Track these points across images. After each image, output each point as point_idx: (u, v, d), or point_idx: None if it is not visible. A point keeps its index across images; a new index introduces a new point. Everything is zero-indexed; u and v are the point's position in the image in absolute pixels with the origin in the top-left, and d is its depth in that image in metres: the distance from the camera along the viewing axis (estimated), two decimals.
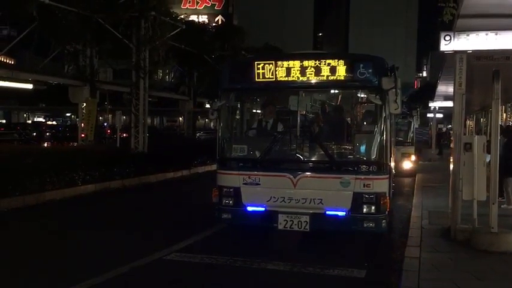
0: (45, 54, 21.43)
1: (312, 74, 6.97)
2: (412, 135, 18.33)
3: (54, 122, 53.53)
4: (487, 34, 7.01)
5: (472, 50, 7.24)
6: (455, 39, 7.11)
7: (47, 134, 33.70)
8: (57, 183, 11.98)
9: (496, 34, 6.99)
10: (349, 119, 8.30)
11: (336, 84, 7.21)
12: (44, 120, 56.24)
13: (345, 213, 6.80)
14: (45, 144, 25.23)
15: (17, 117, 58.18)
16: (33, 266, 6.46)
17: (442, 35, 7.15)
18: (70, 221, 9.58)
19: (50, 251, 7.23)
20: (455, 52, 7.32)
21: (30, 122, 52.50)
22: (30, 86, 23.09)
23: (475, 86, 11.50)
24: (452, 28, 7.21)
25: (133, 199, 12.80)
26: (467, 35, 7.07)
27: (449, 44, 7.13)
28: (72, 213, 10.53)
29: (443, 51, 7.33)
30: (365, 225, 6.75)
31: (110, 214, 10.37)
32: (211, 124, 39.41)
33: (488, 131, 13.03)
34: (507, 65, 7.53)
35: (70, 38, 18.65)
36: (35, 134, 34.13)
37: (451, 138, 8.78)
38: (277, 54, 15.66)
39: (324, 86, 7.40)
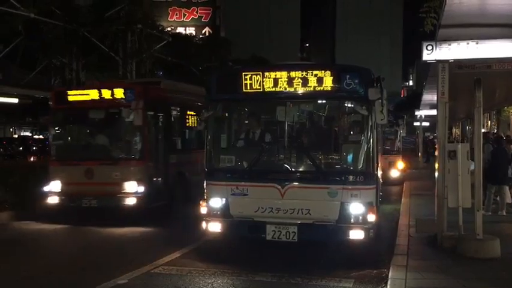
0: (31, 68, 21.31)
1: (299, 84, 7.02)
2: (399, 143, 18.51)
3: (41, 136, 52.92)
4: (468, 43, 7.14)
5: (453, 59, 7.36)
6: (437, 48, 7.23)
7: (34, 148, 33.30)
8: None
9: (477, 43, 7.12)
10: (336, 129, 8.35)
11: (323, 94, 7.27)
12: (30, 135, 55.58)
13: (332, 223, 6.82)
14: (32, 159, 24.91)
15: (3, 132, 57.49)
16: None
17: (424, 44, 7.27)
18: None
19: None
20: (438, 61, 7.43)
21: (16, 136, 51.83)
22: (15, 100, 22.87)
23: (459, 95, 11.67)
24: (434, 38, 7.34)
25: None
26: (449, 45, 7.19)
27: (431, 54, 7.25)
28: None
29: (425, 61, 7.44)
30: (353, 235, 6.77)
31: None
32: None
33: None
34: (488, 74, 7.67)
35: (56, 51, 18.60)
36: (21, 148, 33.69)
37: (436, 146, 8.89)
38: (264, 65, 15.77)
39: (311, 97, 7.45)
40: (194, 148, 12.40)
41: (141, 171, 10.34)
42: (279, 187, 6.95)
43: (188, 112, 12.53)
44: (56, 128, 11.46)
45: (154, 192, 10.52)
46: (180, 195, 11.50)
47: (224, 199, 7.19)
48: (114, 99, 10.32)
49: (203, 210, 7.37)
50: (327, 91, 7.01)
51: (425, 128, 34.14)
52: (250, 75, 7.17)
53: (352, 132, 8.22)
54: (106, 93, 10.43)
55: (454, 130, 31.00)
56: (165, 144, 11.32)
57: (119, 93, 10.35)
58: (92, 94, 10.56)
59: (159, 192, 10.76)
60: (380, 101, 6.56)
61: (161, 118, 11.35)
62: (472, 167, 7.42)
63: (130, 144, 10.72)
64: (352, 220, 6.78)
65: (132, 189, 10.14)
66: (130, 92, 10.25)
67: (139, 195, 10.13)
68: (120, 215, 10.24)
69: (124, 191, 10.12)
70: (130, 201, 10.09)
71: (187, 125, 12.57)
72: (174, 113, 12.09)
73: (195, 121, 12.30)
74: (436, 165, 8.04)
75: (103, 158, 10.50)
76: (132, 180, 10.15)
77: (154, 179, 10.73)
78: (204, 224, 7.36)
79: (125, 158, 10.59)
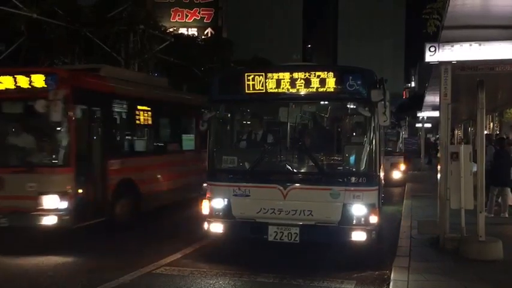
0: None
1: (301, 85, 7.01)
2: (401, 145, 18.49)
3: None
4: (471, 45, 7.13)
5: (456, 61, 7.36)
6: (440, 50, 7.22)
7: None
8: None
9: (480, 45, 7.12)
10: (338, 130, 8.34)
11: (326, 96, 7.25)
12: None
13: (334, 224, 6.81)
14: None
15: None
16: None
17: (427, 46, 7.26)
18: None
19: None
20: (440, 63, 7.43)
21: None
22: None
23: (461, 96, 11.67)
24: (437, 39, 7.34)
25: None
26: (452, 46, 7.19)
27: (434, 55, 7.24)
28: None
29: (428, 62, 7.43)
30: (355, 236, 6.76)
31: None
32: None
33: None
34: (491, 75, 7.66)
35: (58, 51, 18.63)
36: None
37: (438, 148, 8.88)
38: (266, 66, 15.74)
39: (313, 98, 7.44)
40: (150, 151, 10.85)
41: (64, 181, 8.09)
42: (281, 188, 6.94)
43: (140, 107, 10.41)
44: None
45: (83, 207, 8.38)
46: (125, 209, 9.42)
47: (226, 200, 7.18)
48: (33, 89, 8.14)
49: (205, 211, 7.37)
50: (330, 92, 7.00)
51: (427, 130, 34.15)
52: (252, 76, 7.16)
53: (354, 134, 8.23)
54: (23, 81, 8.23)
55: (456, 132, 30.96)
56: (105, 146, 9.13)
57: (39, 80, 8.15)
58: (6, 82, 8.35)
59: (91, 207, 8.65)
60: (382, 102, 6.56)
61: (99, 113, 9.16)
62: (475, 169, 7.40)
63: (51, 146, 8.49)
64: (354, 221, 6.76)
65: (52, 204, 7.96)
66: (51, 79, 8.09)
67: (62, 212, 7.96)
68: (37, 238, 8.47)
69: (41, 207, 7.94)
70: (49, 220, 7.93)
71: (139, 122, 10.50)
72: (119, 107, 9.89)
73: (151, 118, 10.69)
74: (439, 167, 8.03)
75: (15, 165, 8.37)
76: (51, 193, 7.98)
77: (83, 190, 8.47)
78: (206, 225, 7.36)
79: (43, 165, 8.26)
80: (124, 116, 10.12)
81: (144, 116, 10.56)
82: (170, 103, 11.74)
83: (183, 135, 12.44)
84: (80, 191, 8.40)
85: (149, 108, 10.59)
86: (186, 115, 12.63)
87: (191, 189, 11.38)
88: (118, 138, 10.07)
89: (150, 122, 10.74)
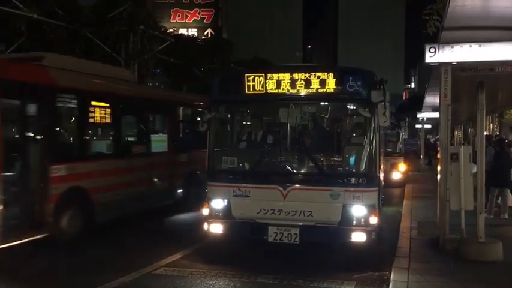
0: None
1: (301, 86, 7.01)
2: (401, 146, 18.49)
3: None
4: (471, 46, 7.13)
5: (456, 62, 7.36)
6: (440, 51, 7.22)
7: None
8: None
9: (480, 46, 7.12)
10: (338, 131, 8.35)
11: (326, 96, 7.25)
12: None
13: (334, 225, 6.81)
14: None
15: None
16: None
17: (427, 47, 7.26)
18: None
19: None
20: (440, 64, 7.43)
21: None
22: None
23: (462, 97, 11.66)
24: (437, 40, 7.34)
25: None
26: (452, 47, 7.19)
27: (434, 56, 7.24)
28: None
29: (428, 63, 7.43)
30: (355, 237, 6.76)
31: None
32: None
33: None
34: (491, 76, 7.66)
35: (58, 52, 18.59)
36: None
37: (438, 149, 8.88)
38: (266, 67, 15.75)
39: (313, 99, 7.45)
40: (109, 154, 9.49)
41: None
42: (281, 189, 6.94)
43: (95, 103, 9.03)
44: None
45: (14, 222, 7.27)
46: (74, 223, 8.21)
47: (226, 200, 7.18)
48: None
49: (205, 211, 7.36)
50: (330, 93, 7.00)
51: (427, 130, 34.16)
52: (253, 77, 7.16)
53: (354, 134, 8.24)
54: None
55: (456, 133, 30.97)
56: (46, 149, 7.80)
57: None
58: None
59: (27, 221, 7.52)
60: (383, 103, 6.56)
61: (38, 110, 7.82)
62: (475, 170, 7.41)
63: None
64: (354, 222, 6.76)
65: None
66: None
67: None
68: None
69: None
70: None
71: (94, 121, 9.08)
72: (66, 103, 8.66)
73: (110, 115, 9.36)
74: (439, 168, 8.03)
75: None
76: None
77: (15, 201, 7.31)
78: (205, 225, 7.36)
79: None
80: (73, 113, 8.86)
81: (100, 113, 9.13)
82: (136, 99, 10.29)
83: (152, 135, 11.07)
84: (8, 202, 7.09)
85: (107, 105, 9.22)
86: (157, 113, 11.59)
87: (162, 196, 10.62)
88: (65, 140, 8.89)
89: (108, 120, 9.38)
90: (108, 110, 9.28)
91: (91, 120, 9.01)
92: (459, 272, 6.38)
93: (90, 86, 9.02)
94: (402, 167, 17.72)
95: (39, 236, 7.57)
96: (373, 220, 6.79)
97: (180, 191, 11.53)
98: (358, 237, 6.75)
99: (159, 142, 11.19)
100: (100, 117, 9.17)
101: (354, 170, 7.22)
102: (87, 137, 9.20)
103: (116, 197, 9.22)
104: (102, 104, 9.17)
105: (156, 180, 10.66)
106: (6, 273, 6.59)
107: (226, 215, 7.18)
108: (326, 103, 8.25)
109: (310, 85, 6.98)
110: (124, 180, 9.53)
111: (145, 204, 10.17)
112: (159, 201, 10.66)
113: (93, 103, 8.98)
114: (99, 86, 9.27)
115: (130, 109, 10.24)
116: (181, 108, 12.73)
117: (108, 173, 9.09)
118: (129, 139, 10.65)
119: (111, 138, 9.85)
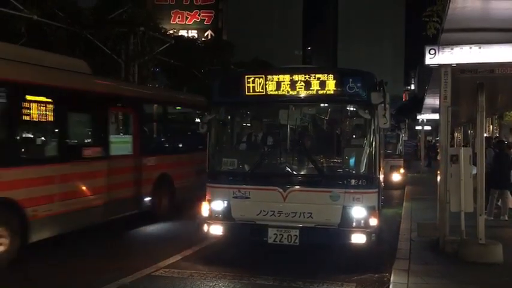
0: None
1: (301, 88, 7.02)
2: (400, 147, 18.50)
3: None
4: (470, 48, 7.14)
5: (456, 64, 7.36)
6: (440, 53, 7.23)
7: None
8: None
9: (480, 48, 7.12)
10: (338, 132, 8.36)
11: (326, 98, 7.26)
12: None
13: (334, 227, 6.81)
14: None
15: None
16: None
17: (427, 48, 7.27)
18: None
19: None
20: (440, 66, 7.43)
21: None
22: None
23: (461, 99, 11.67)
24: (437, 42, 7.35)
25: None
26: (452, 49, 7.19)
27: (434, 58, 7.25)
28: None
29: (428, 65, 7.44)
30: (355, 239, 6.76)
31: None
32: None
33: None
34: (491, 78, 7.67)
35: (59, 53, 18.61)
36: None
37: (438, 150, 8.88)
38: (266, 68, 15.73)
39: (313, 100, 7.46)
40: (48, 158, 7.91)
41: None
42: (281, 190, 6.94)
43: (31, 97, 7.56)
44: None
45: None
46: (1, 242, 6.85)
47: (226, 202, 7.18)
48: None
49: (204, 212, 7.36)
50: (330, 95, 7.01)
51: (427, 132, 34.16)
52: (253, 79, 7.17)
53: (354, 136, 8.24)
54: None
55: (455, 134, 30.98)
56: None
57: None
58: None
59: None
60: (383, 104, 6.57)
61: None
62: (474, 172, 7.41)
63: None
64: (354, 224, 6.76)
65: None
66: None
67: None
68: None
69: None
70: None
71: (30, 118, 7.63)
72: None
73: (53, 112, 7.86)
74: (439, 170, 8.03)
75: None
76: None
77: None
78: (205, 227, 7.36)
79: None
80: (1, 109, 7.24)
81: (40, 109, 7.69)
82: (89, 93, 8.84)
83: (111, 136, 9.45)
84: None
85: (50, 100, 7.79)
86: (119, 110, 10.19)
87: (122, 206, 9.24)
88: None
89: (50, 118, 7.88)
90: (51, 106, 7.83)
91: (25, 117, 7.53)
92: (459, 274, 6.38)
93: (24, 77, 7.45)
94: (402, 168, 17.73)
95: None
96: (373, 222, 6.79)
97: (147, 199, 10.19)
98: (358, 238, 6.75)
99: (121, 143, 9.84)
100: (40, 114, 7.73)
101: (353, 172, 7.22)
102: (19, 138, 7.57)
103: (57, 211, 7.78)
104: (43, 98, 7.73)
105: (116, 187, 9.15)
106: None
107: (226, 217, 7.18)
108: (326, 105, 8.25)
109: (310, 87, 6.99)
110: (68, 189, 8.10)
111: (99, 217, 8.77)
112: (121, 212, 9.33)
113: (29, 97, 7.54)
114: (38, 77, 7.72)
115: (82, 105, 8.76)
116: (154, 106, 11.42)
117: (47, 180, 7.61)
118: (79, 140, 9.07)
119: (54, 139, 8.20)
